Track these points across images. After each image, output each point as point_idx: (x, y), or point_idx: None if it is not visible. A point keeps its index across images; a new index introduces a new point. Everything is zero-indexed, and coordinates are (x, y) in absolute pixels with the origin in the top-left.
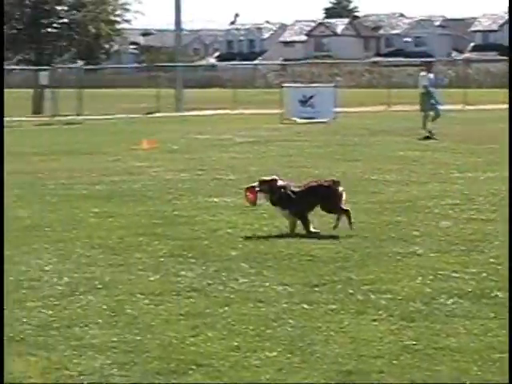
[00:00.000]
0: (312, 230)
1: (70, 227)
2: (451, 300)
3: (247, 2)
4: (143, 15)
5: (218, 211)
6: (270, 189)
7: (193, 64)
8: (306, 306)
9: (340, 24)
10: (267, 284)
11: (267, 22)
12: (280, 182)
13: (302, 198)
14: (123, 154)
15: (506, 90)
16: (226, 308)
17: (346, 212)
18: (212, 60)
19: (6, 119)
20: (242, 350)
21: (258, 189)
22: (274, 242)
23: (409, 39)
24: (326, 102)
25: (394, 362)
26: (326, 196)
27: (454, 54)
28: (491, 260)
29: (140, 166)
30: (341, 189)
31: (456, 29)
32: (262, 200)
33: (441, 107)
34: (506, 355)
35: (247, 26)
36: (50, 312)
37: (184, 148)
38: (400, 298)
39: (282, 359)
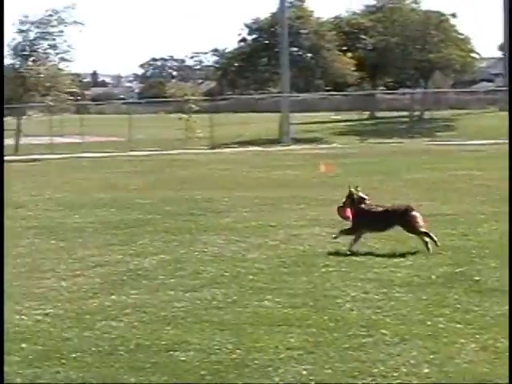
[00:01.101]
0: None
1: None
2: None
3: None
4: None
5: None
6: (351, 203)
7: None
8: None
9: None
10: None
11: None
12: (355, 197)
13: (378, 217)
14: None
15: None
16: None
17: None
18: None
19: None
20: None
21: (341, 205)
22: None
23: None
24: None
25: None
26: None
27: None
28: None
29: None
30: (414, 213)
31: None
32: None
33: None
34: None
35: None
36: None
37: None
38: None
39: None
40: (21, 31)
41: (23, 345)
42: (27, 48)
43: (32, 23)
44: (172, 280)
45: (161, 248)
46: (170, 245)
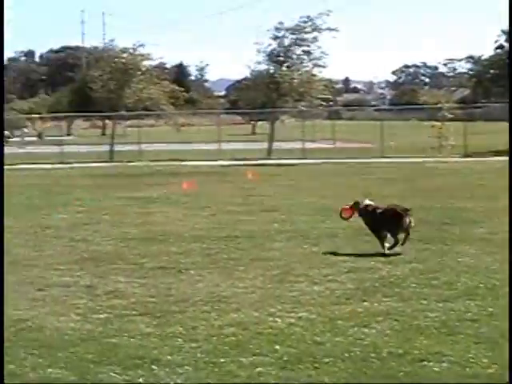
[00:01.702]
0: (386, 250)
1: None
2: None
3: None
4: None
5: None
6: (357, 206)
7: None
8: None
9: None
10: None
11: None
12: (364, 202)
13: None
14: None
15: None
16: None
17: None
18: None
19: None
20: None
21: (348, 206)
22: None
23: None
24: None
25: None
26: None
27: None
28: None
29: None
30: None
31: None
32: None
33: None
34: None
35: None
36: None
37: None
38: None
39: None
40: (276, 37)
41: (277, 347)
42: (282, 54)
43: (287, 30)
44: (425, 289)
45: (413, 256)
46: (423, 253)
